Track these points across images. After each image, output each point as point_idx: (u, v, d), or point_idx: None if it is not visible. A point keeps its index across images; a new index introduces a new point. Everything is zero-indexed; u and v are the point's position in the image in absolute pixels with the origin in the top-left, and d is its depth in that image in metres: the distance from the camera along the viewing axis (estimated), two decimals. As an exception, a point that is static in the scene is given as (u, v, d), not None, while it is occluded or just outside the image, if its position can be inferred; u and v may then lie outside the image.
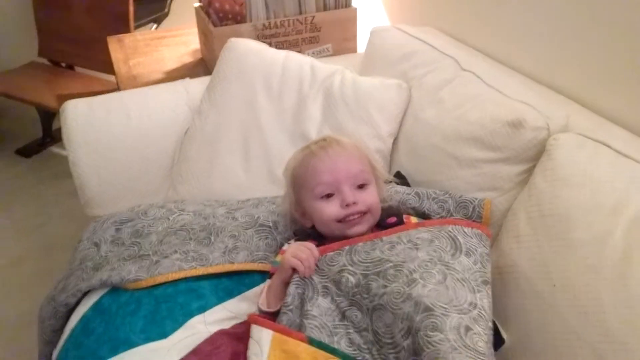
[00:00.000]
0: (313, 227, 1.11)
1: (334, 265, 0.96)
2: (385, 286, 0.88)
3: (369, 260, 0.94)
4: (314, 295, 0.93)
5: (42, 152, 2.80)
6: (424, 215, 1.16)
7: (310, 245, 0.99)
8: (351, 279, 0.92)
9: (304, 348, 0.85)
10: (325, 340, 0.87)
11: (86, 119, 1.42)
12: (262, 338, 0.87)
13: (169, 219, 1.18)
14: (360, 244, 0.98)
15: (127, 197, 1.37)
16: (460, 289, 0.88)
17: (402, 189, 1.19)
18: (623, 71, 1.11)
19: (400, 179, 1.29)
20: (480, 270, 0.94)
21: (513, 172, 1.11)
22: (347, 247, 0.98)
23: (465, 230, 1.00)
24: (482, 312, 0.87)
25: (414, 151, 1.31)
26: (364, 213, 1.05)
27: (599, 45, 1.14)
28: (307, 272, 0.95)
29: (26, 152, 2.78)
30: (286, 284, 0.96)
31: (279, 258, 1.09)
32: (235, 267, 1.08)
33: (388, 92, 1.36)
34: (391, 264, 0.91)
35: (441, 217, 1.14)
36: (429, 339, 0.79)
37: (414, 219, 1.13)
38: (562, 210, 0.97)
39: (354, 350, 0.87)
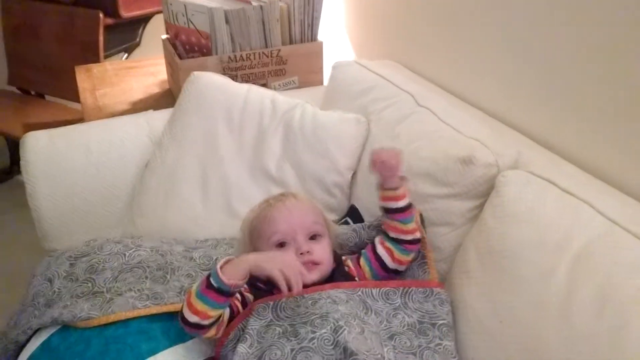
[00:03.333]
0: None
1: (261, 320, 0.99)
2: (314, 332, 0.93)
3: (295, 314, 0.98)
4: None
5: (8, 181, 2.77)
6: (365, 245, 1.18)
7: (303, 270, 0.98)
8: (278, 329, 0.96)
9: None
10: None
11: (46, 151, 1.41)
12: None
13: (125, 254, 1.18)
14: (284, 299, 1.01)
15: (85, 231, 1.36)
16: (374, 341, 0.95)
17: (340, 230, 1.22)
18: (573, 108, 1.14)
19: (354, 213, 1.31)
20: (385, 329, 1.01)
21: (464, 208, 1.13)
22: (271, 303, 1.00)
23: (373, 292, 1.06)
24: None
25: (370, 185, 1.31)
26: (315, 263, 1.07)
27: (552, 84, 1.18)
28: (285, 291, 0.94)
29: (-8, 180, 2.75)
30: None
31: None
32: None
33: (346, 126, 1.38)
34: (317, 315, 0.96)
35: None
36: None
37: (348, 261, 1.15)
38: (510, 247, 0.99)
39: None
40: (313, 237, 1.09)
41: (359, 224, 1.24)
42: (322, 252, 1.09)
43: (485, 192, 1.10)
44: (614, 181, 1.07)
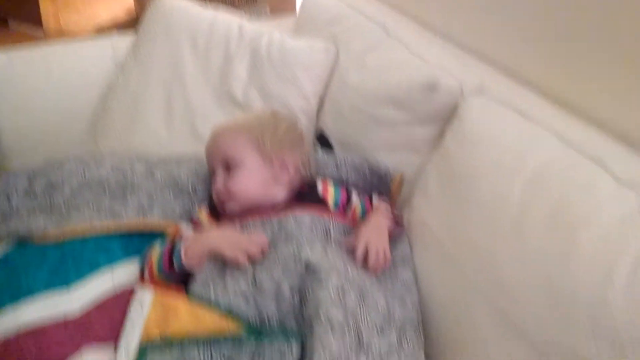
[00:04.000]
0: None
1: None
2: (277, 249, 0.93)
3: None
4: None
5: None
6: (341, 181, 1.19)
7: (262, 241, 0.97)
8: None
9: (182, 302, 0.88)
10: (203, 293, 0.90)
11: (5, 72, 1.37)
12: (145, 298, 0.89)
13: (84, 172, 1.16)
14: (251, 221, 1.02)
15: (45, 150, 1.34)
16: (337, 258, 0.94)
17: (322, 158, 1.22)
18: (535, 36, 1.14)
19: (323, 140, 1.31)
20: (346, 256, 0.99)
21: (427, 134, 1.14)
22: (238, 225, 1.02)
23: (338, 225, 1.05)
24: (354, 276, 0.93)
25: (338, 113, 1.32)
26: (230, 197, 1.08)
27: (519, 11, 1.17)
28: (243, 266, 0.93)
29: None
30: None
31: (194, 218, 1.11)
32: (148, 223, 1.07)
33: (315, 54, 1.36)
34: (282, 236, 0.97)
35: (357, 182, 1.20)
36: (314, 293, 0.86)
37: (330, 184, 1.15)
38: (468, 170, 1.01)
39: (234, 299, 0.89)
40: (229, 167, 1.09)
41: (342, 157, 1.24)
42: (235, 185, 1.08)
43: (446, 117, 1.11)
44: (575, 108, 1.08)
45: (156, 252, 0.99)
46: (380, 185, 1.19)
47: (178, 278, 0.96)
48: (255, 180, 1.09)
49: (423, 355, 0.92)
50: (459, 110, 1.08)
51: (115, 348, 0.85)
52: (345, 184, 1.19)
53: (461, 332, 0.97)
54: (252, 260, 0.92)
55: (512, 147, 0.98)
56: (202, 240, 0.97)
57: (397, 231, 1.07)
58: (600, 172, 0.88)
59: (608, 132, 1.00)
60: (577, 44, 1.06)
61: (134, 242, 1.05)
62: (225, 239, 0.96)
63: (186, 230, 1.05)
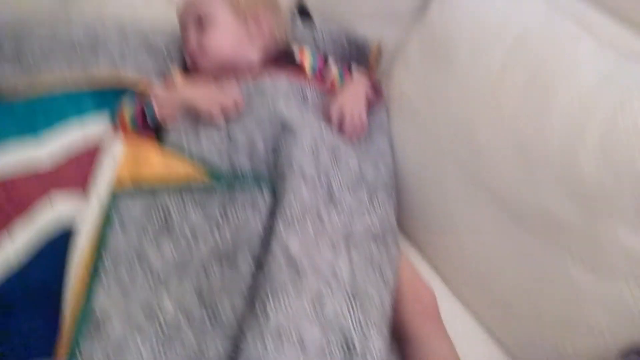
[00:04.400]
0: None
1: None
2: (252, 106, 0.92)
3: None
4: None
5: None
6: (318, 52, 1.16)
7: (237, 96, 0.94)
8: None
9: (154, 150, 0.88)
10: (182, 146, 0.89)
11: None
12: (116, 147, 0.89)
13: (54, 32, 1.11)
14: (226, 82, 1.00)
15: (11, 12, 1.27)
16: (313, 119, 0.94)
17: (300, 29, 1.19)
18: None
19: (303, 11, 1.26)
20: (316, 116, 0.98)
21: (410, 3, 1.10)
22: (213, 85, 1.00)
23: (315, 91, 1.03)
24: (328, 138, 0.93)
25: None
26: (203, 53, 1.04)
27: None
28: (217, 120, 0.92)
29: None
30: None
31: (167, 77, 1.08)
32: (121, 77, 1.04)
33: None
34: (258, 95, 0.95)
35: (335, 53, 1.16)
36: (288, 148, 0.85)
37: (307, 51, 1.12)
38: (451, 38, 0.98)
39: (207, 153, 0.88)
40: (202, 22, 1.05)
41: (319, 30, 1.20)
42: (207, 40, 1.04)
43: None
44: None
45: (128, 106, 0.97)
46: (358, 56, 1.16)
47: (151, 132, 0.95)
48: (228, 37, 1.05)
49: (394, 217, 0.93)
50: (446, -24, 1.03)
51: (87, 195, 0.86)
52: (324, 54, 1.16)
53: (434, 196, 0.98)
54: (226, 116, 0.91)
55: (497, 12, 0.94)
56: (175, 95, 0.95)
57: (376, 100, 1.05)
58: (583, 35, 0.86)
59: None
60: None
61: (106, 97, 1.02)
62: (199, 93, 0.94)
63: (158, 87, 1.02)
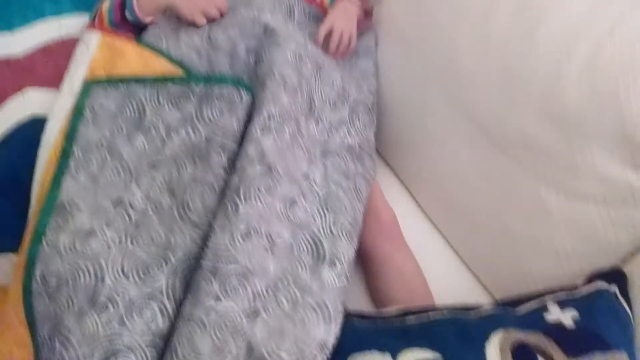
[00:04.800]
0: None
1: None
2: (235, 10, 0.90)
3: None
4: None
5: None
6: None
7: (221, 1, 0.91)
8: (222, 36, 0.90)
9: (131, 46, 0.85)
10: (154, 43, 0.87)
11: None
12: (91, 40, 0.85)
13: None
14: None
15: None
16: (298, 32, 0.93)
17: None
18: None
19: None
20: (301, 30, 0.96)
21: None
22: None
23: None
24: (312, 50, 0.91)
25: None
26: None
27: None
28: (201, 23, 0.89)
29: None
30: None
31: None
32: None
33: None
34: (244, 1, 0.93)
35: None
36: (270, 53, 0.84)
37: None
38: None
39: (186, 52, 0.86)
40: None
41: None
42: None
43: None
44: None
45: (107, 3, 0.93)
46: None
47: (129, 30, 0.92)
48: None
49: (372, 135, 0.93)
50: None
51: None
52: None
53: (413, 118, 0.98)
54: (208, 20, 0.88)
55: None
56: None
57: (365, 23, 1.03)
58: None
59: None
60: None
61: (84, -1, 0.99)
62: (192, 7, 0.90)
63: None
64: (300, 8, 0.98)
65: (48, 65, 0.87)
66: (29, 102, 0.82)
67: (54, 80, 0.85)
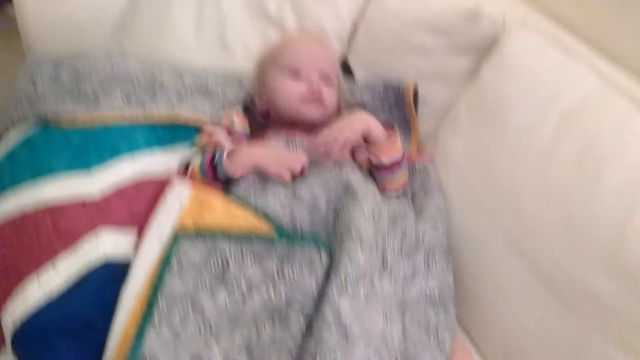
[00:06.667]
0: (266, 114, 1.14)
1: None
2: (319, 169, 0.94)
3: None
4: None
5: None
6: (359, 105, 1.20)
7: (304, 159, 0.95)
8: None
9: (219, 198, 0.88)
10: (242, 196, 0.90)
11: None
12: (184, 192, 0.89)
13: (112, 65, 1.14)
14: (297, 137, 1.03)
15: (69, 43, 1.31)
16: (375, 190, 0.97)
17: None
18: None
19: (345, 67, 1.29)
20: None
21: (463, 64, 1.12)
22: (284, 135, 1.03)
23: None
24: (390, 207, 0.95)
25: (371, 37, 1.29)
26: (321, 103, 1.07)
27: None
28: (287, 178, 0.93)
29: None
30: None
31: (224, 120, 1.10)
32: (179, 115, 1.07)
33: (354, -27, 1.32)
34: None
35: (374, 102, 1.20)
36: (349, 209, 0.86)
37: None
38: (501, 99, 1.00)
39: (271, 204, 0.89)
40: (326, 80, 1.09)
41: (355, 82, 1.24)
42: (331, 95, 1.09)
43: (485, 49, 1.08)
44: (615, 56, 1.04)
45: (197, 159, 0.98)
46: (397, 101, 1.18)
47: (219, 183, 0.96)
48: (336, 99, 1.12)
49: (451, 278, 0.93)
50: (500, 41, 1.05)
51: (140, 233, 0.85)
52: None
53: (473, 260, 0.98)
54: (293, 176, 0.93)
55: (549, 80, 0.96)
56: (245, 156, 0.96)
57: (420, 156, 1.05)
58: (635, 112, 0.87)
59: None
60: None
61: (158, 133, 1.05)
62: (268, 155, 0.96)
63: (221, 135, 1.04)
64: None
65: (122, 206, 0.90)
66: (102, 245, 0.84)
67: (127, 222, 0.88)
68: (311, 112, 1.07)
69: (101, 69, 1.12)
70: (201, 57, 1.30)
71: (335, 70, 1.14)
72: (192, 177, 0.97)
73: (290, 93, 1.06)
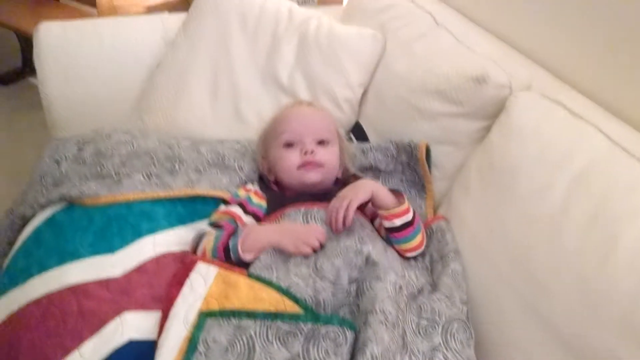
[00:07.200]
0: (276, 182, 1.18)
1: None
2: (339, 241, 0.95)
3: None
4: None
5: (20, 82, 2.76)
6: (372, 168, 1.23)
7: (321, 232, 0.97)
8: None
9: (243, 279, 0.89)
10: (265, 274, 0.91)
11: (58, 41, 1.41)
12: (209, 274, 0.90)
13: (132, 143, 1.19)
14: (315, 209, 1.03)
15: (92, 122, 1.36)
16: (394, 260, 0.99)
17: (353, 149, 1.25)
18: (588, 39, 1.12)
19: (358, 129, 1.32)
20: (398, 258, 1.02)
21: (472, 128, 1.13)
22: (303, 210, 1.03)
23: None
24: (409, 280, 0.98)
25: (380, 101, 1.32)
26: (319, 165, 1.11)
27: (569, 14, 1.15)
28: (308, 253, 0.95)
29: (4, 79, 2.74)
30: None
31: (241, 192, 1.13)
32: (196, 191, 1.10)
33: (363, 42, 1.36)
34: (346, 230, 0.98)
35: (387, 164, 1.23)
36: (372, 285, 0.87)
37: None
38: (511, 162, 1.00)
39: (294, 280, 0.89)
40: (321, 143, 1.13)
41: (367, 144, 1.26)
42: (328, 155, 1.12)
43: (494, 113, 1.10)
44: (622, 115, 1.05)
45: (209, 242, 0.99)
46: (410, 161, 1.20)
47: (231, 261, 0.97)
48: (337, 159, 1.16)
49: (472, 350, 0.92)
50: (507, 104, 1.07)
51: (166, 315, 0.86)
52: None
53: (492, 326, 0.96)
54: (314, 250, 0.94)
55: (558, 143, 0.97)
56: (261, 236, 0.97)
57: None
58: (647, 174, 0.87)
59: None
60: (629, 51, 1.04)
61: (178, 209, 1.08)
62: (284, 233, 0.97)
63: (236, 211, 1.07)
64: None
65: (143, 287, 0.92)
66: (126, 326, 0.86)
67: (149, 303, 0.90)
68: (310, 176, 1.10)
69: (122, 149, 1.16)
70: (217, 127, 1.35)
71: (332, 132, 1.17)
72: (203, 254, 0.98)
73: (287, 162, 1.11)
